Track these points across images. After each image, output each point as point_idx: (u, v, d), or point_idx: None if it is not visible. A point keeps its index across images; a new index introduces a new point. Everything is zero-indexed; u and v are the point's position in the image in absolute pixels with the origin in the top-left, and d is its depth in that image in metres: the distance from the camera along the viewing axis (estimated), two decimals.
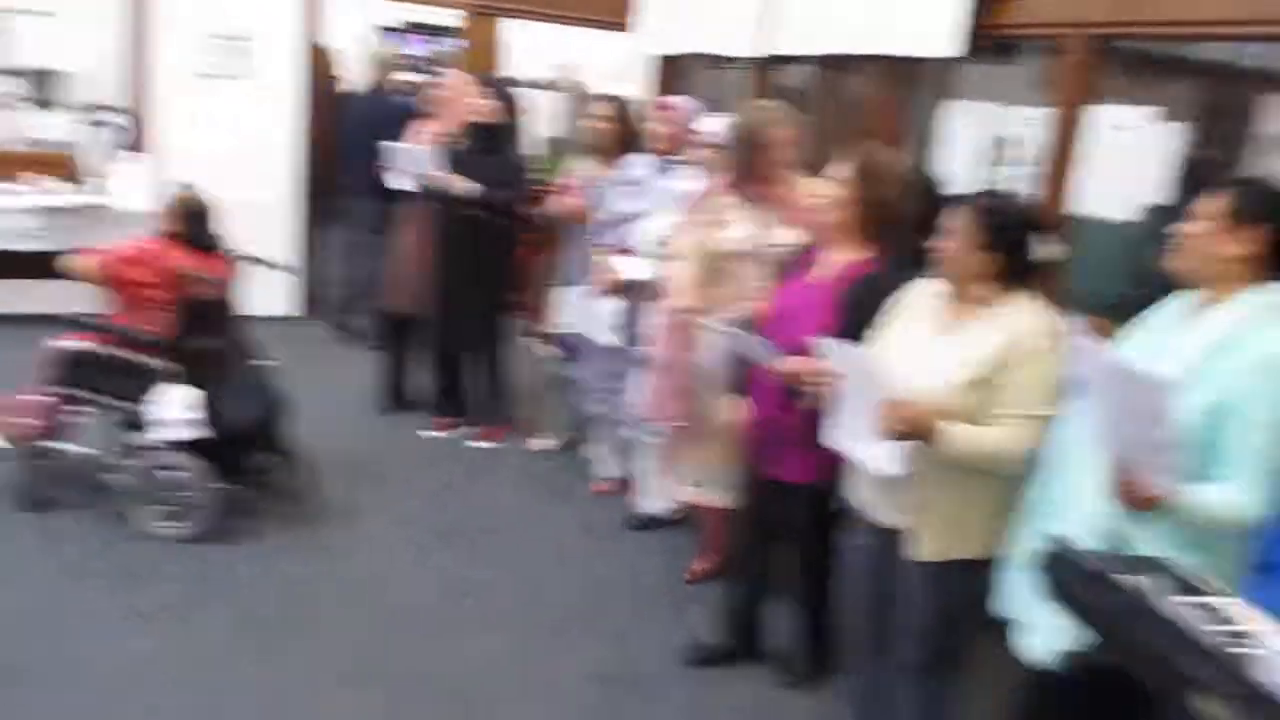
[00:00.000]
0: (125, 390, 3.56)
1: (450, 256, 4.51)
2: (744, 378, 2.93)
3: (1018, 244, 2.26)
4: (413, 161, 4.46)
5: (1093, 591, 1.70)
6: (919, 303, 2.43)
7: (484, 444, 4.73)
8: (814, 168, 3.34)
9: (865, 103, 5.53)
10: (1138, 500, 1.86)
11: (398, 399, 5.05)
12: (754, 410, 2.89)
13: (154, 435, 3.50)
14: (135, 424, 3.57)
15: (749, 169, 3.24)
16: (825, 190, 2.75)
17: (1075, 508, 2.07)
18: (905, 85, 4.97)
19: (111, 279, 3.54)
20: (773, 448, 2.82)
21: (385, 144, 4.55)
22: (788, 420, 2.75)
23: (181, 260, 3.57)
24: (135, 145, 5.92)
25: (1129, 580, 1.64)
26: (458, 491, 4.25)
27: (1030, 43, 4.77)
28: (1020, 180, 4.23)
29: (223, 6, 5.82)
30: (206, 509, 3.53)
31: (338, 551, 3.64)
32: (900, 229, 2.72)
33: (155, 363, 3.51)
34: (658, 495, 3.95)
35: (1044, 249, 2.27)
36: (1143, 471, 1.83)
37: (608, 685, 3.03)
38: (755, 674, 3.14)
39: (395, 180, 4.62)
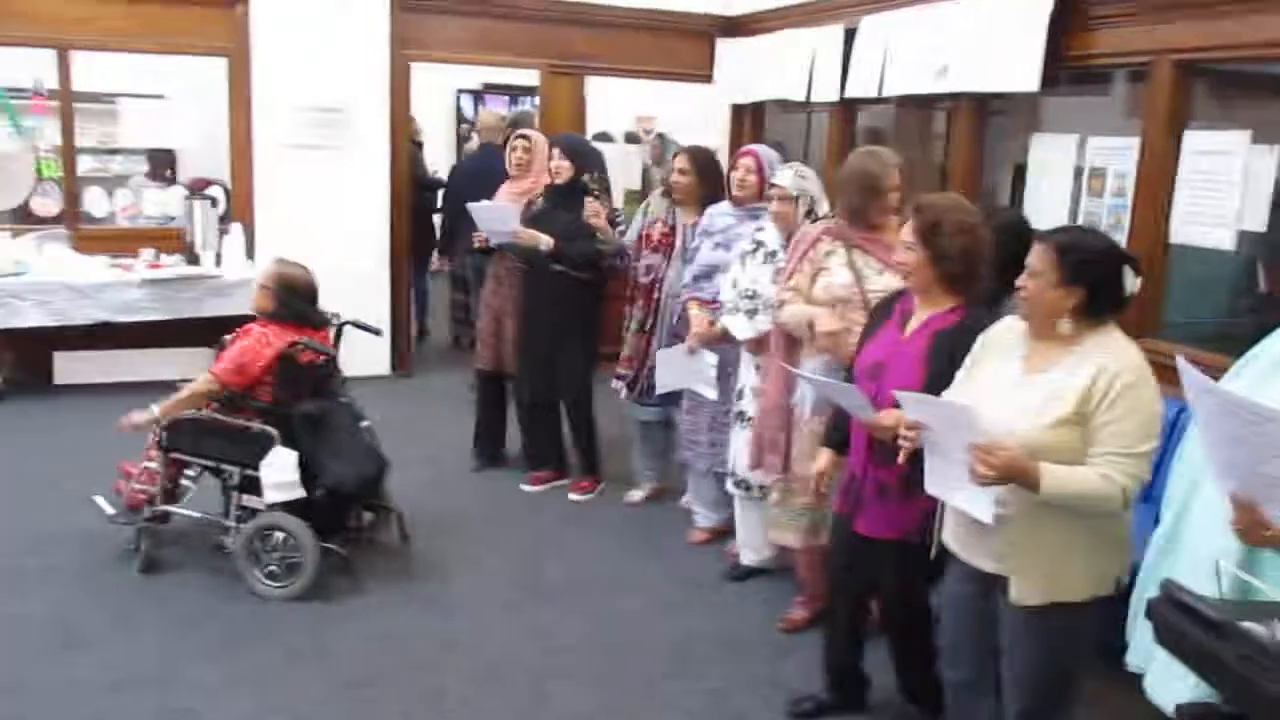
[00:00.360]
0: (232, 454, 3.69)
1: (534, 312, 4.59)
2: (843, 428, 2.90)
3: (1099, 278, 2.22)
4: (497, 219, 4.56)
5: (1214, 640, 1.63)
6: (1006, 341, 2.39)
7: (579, 497, 4.76)
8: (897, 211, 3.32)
9: (948, 140, 5.48)
10: (1260, 537, 1.78)
11: (493, 455, 5.12)
12: (851, 459, 2.86)
13: (261, 497, 3.62)
14: (243, 487, 3.69)
15: (862, 214, 3.25)
16: (903, 258, 2.71)
17: (1196, 548, 1.99)
18: (989, 120, 4.92)
19: (233, 387, 3.66)
20: (862, 502, 2.79)
21: (472, 204, 4.66)
22: (876, 475, 2.73)
23: (288, 337, 3.69)
24: (237, 217, 6.19)
25: (1255, 628, 1.56)
26: (553, 545, 4.28)
27: (1116, 71, 4.70)
28: (1111, 211, 4.13)
29: (315, 81, 6.06)
30: (312, 568, 3.62)
31: (434, 607, 3.69)
32: (979, 275, 2.68)
33: (260, 427, 3.64)
34: (756, 545, 3.92)
35: (1127, 282, 2.22)
36: (1265, 506, 1.75)
37: None
38: None
39: (483, 235, 4.72)
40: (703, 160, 4.41)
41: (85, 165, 6.70)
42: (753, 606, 3.79)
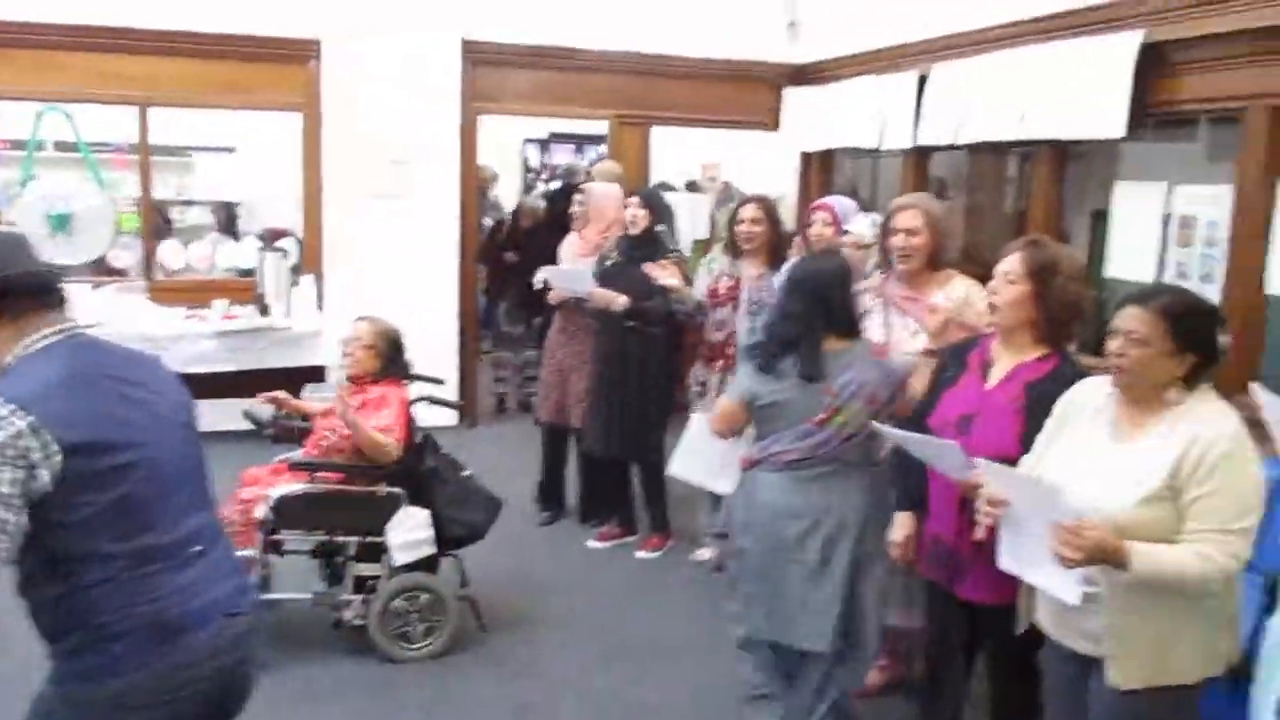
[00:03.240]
0: (355, 523, 3.54)
1: (608, 367, 4.53)
2: (920, 488, 2.78)
3: (1208, 343, 2.10)
4: (573, 280, 4.54)
5: None
6: (1095, 403, 2.25)
7: (648, 554, 4.66)
8: (971, 258, 3.24)
9: (1020, 185, 5.36)
10: None
11: (556, 507, 5.06)
12: (937, 523, 2.73)
13: (394, 559, 3.51)
14: (359, 556, 3.59)
15: (884, 255, 3.25)
16: (998, 289, 2.60)
17: None
18: (1068, 168, 4.79)
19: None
20: (962, 567, 2.65)
21: (546, 267, 4.68)
22: (974, 536, 2.59)
23: (405, 394, 3.66)
24: (307, 269, 6.25)
25: None
26: (623, 606, 4.18)
27: (1202, 116, 4.54)
28: (1204, 261, 3.98)
29: (386, 135, 6.10)
30: (454, 621, 3.60)
31: (507, 671, 3.60)
32: (1072, 330, 2.59)
33: (386, 490, 3.52)
34: None
35: (1222, 340, 2.10)
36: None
37: None
38: None
39: (555, 297, 4.72)
40: (773, 209, 4.33)
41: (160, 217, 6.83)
42: None
